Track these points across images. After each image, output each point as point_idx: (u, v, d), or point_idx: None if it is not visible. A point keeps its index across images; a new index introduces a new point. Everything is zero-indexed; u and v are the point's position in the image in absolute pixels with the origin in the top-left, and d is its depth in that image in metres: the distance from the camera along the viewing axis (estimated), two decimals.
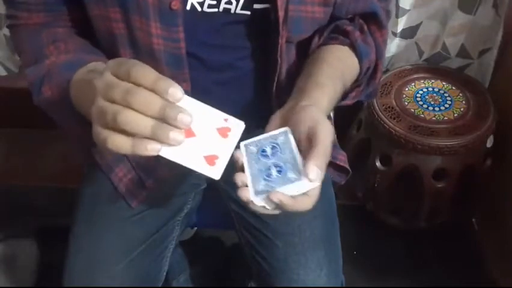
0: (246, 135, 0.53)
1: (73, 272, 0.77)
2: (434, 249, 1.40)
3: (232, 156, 0.50)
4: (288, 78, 0.72)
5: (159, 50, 0.64)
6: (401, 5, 1.22)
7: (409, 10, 1.24)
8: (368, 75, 0.74)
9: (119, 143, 0.43)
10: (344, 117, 1.16)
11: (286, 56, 0.70)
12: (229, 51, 0.71)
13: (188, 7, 0.63)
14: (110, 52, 0.68)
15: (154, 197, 0.81)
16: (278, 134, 0.56)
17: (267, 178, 0.52)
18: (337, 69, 0.67)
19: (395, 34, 1.30)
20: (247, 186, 0.52)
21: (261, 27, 0.67)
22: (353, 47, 0.70)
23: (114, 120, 0.42)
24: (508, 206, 1.26)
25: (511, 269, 1.24)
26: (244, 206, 0.53)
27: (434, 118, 1.23)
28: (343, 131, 1.23)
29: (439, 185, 1.24)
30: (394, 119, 1.22)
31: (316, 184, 0.51)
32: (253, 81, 0.75)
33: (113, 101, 0.43)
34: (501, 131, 1.25)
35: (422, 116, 1.23)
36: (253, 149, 0.56)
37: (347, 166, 0.89)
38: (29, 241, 1.34)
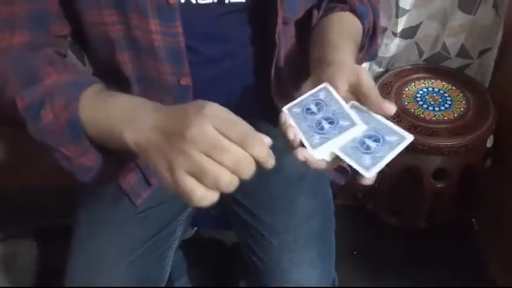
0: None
1: (75, 270, 0.77)
2: (434, 249, 1.40)
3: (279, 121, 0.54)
4: (287, 62, 0.73)
5: (159, 47, 0.64)
6: (401, 5, 1.22)
7: (409, 10, 1.24)
8: (369, 35, 0.77)
9: (211, 198, 0.47)
10: None
11: (283, 38, 0.70)
12: (227, 41, 0.71)
13: (182, 0, 0.63)
14: (106, 57, 0.67)
15: (158, 196, 0.81)
16: (318, 91, 0.56)
17: (320, 132, 0.52)
18: (347, 32, 0.69)
19: (395, 34, 1.30)
20: (302, 146, 0.53)
21: (256, 14, 0.68)
22: (353, 11, 0.72)
23: (215, 182, 0.46)
24: (508, 206, 1.26)
25: (511, 269, 1.24)
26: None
27: (434, 118, 1.23)
28: None
29: (439, 185, 1.24)
30: (394, 119, 1.22)
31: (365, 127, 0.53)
32: (252, 69, 0.76)
33: (218, 162, 0.46)
34: (501, 131, 1.25)
35: (422, 116, 1.23)
36: (297, 110, 0.56)
37: (347, 166, 0.89)
38: (29, 241, 1.35)
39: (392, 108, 0.52)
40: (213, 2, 0.65)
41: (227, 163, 0.46)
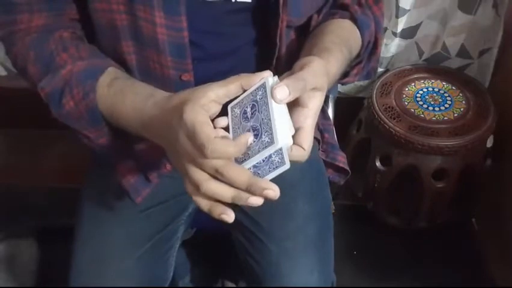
0: None
1: (79, 268, 0.77)
2: (434, 249, 1.40)
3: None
4: (288, 64, 0.72)
5: (163, 40, 0.64)
6: (401, 5, 1.22)
7: (409, 10, 1.24)
8: (369, 49, 0.75)
9: (199, 202, 0.51)
10: (344, 117, 1.16)
11: (285, 41, 0.70)
12: (231, 39, 0.71)
13: None
14: (111, 46, 0.68)
15: (159, 195, 0.81)
16: (257, 89, 0.53)
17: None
18: (341, 36, 0.68)
19: (395, 34, 1.30)
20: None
21: (262, 14, 0.68)
22: (354, 19, 0.71)
23: (197, 187, 0.50)
24: (508, 206, 1.26)
25: (511, 269, 1.24)
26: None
27: (434, 118, 1.23)
28: (343, 131, 1.22)
29: (439, 185, 1.24)
30: (394, 119, 1.22)
31: (288, 143, 0.51)
32: (255, 68, 0.75)
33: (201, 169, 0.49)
34: (501, 131, 1.25)
35: (422, 116, 1.23)
36: (237, 111, 0.54)
37: (346, 167, 0.89)
38: (29, 241, 1.34)
39: (279, 94, 0.50)
40: (219, 0, 0.65)
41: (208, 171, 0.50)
